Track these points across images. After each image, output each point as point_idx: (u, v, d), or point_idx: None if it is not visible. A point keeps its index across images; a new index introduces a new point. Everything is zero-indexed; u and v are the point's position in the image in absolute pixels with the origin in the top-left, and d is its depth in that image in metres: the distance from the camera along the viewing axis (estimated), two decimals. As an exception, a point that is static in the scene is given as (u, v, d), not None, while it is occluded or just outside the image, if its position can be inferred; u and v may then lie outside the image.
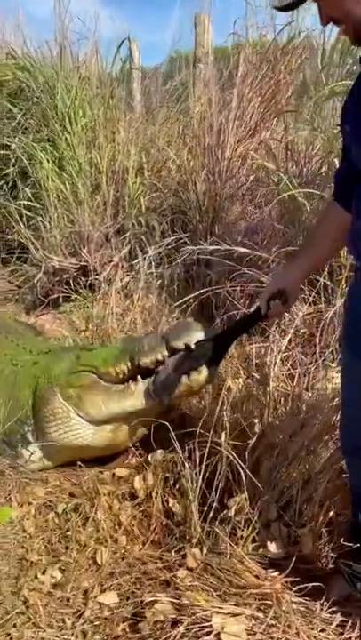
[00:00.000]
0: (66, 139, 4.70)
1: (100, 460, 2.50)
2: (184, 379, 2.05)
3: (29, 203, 4.61)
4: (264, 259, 2.68)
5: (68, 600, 1.73)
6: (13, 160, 5.02)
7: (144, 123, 4.99)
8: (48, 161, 4.53)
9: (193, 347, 2.03)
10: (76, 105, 4.86)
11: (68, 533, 2.01)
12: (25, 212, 4.58)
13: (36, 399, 2.37)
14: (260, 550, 1.78)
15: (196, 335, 2.04)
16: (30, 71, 5.32)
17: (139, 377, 2.16)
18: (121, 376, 2.19)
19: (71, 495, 2.28)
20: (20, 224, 4.48)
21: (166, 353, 2.08)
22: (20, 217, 4.55)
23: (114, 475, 2.42)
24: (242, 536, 1.81)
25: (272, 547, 1.75)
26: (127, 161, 4.50)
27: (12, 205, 4.57)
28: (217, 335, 2.09)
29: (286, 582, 1.66)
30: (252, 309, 2.01)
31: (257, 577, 1.69)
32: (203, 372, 2.04)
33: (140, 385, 2.15)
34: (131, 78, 6.29)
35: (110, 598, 1.71)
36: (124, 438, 2.34)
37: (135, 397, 2.15)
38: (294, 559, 1.66)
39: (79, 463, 2.50)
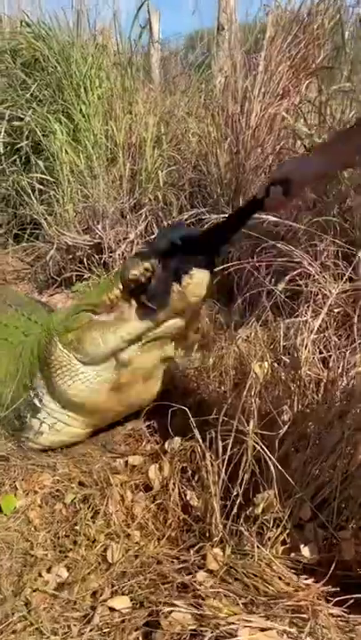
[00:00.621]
0: (81, 109, 4.47)
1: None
2: (175, 286, 1.84)
3: (42, 176, 4.40)
4: (294, 231, 2.44)
5: (75, 603, 1.55)
6: (27, 132, 4.81)
7: (163, 92, 4.73)
8: (62, 132, 4.30)
9: (179, 244, 1.82)
10: (92, 74, 4.62)
11: (77, 527, 1.83)
12: (38, 185, 4.38)
13: (40, 355, 2.22)
14: (292, 554, 1.57)
15: (181, 231, 1.84)
16: (45, 39, 5.09)
17: (132, 300, 1.97)
18: (115, 302, 2.01)
19: (80, 484, 2.09)
20: (32, 198, 4.27)
21: (154, 260, 1.88)
22: (33, 191, 4.34)
23: (127, 463, 2.23)
24: (270, 537, 1.61)
25: (306, 550, 1.54)
26: (145, 132, 4.26)
27: (25, 179, 4.35)
28: (206, 231, 1.90)
29: (323, 592, 1.46)
30: (248, 199, 1.78)
31: (288, 584, 1.49)
32: (195, 276, 1.82)
33: (133, 305, 1.96)
34: (150, 49, 6.03)
35: (122, 603, 1.52)
36: (132, 380, 2.15)
37: (131, 321, 1.96)
38: (333, 566, 1.45)
39: (89, 450, 2.35)
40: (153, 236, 1.98)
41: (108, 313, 2.04)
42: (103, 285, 2.11)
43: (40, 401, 2.24)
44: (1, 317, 2.74)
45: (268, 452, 1.65)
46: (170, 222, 2.02)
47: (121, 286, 1.97)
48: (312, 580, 1.50)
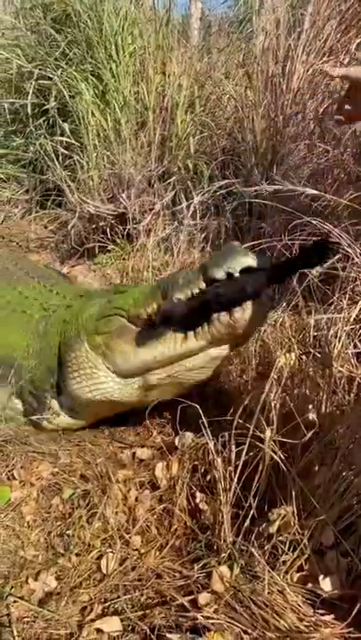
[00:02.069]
0: (111, 68, 4.18)
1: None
2: (224, 317, 1.62)
3: (67, 140, 4.16)
4: (333, 206, 2.15)
5: (59, 621, 1.38)
6: (55, 93, 4.57)
7: (200, 51, 4.39)
8: (89, 92, 4.03)
9: (237, 274, 1.58)
10: (125, 29, 4.31)
11: (72, 529, 1.66)
12: (62, 150, 4.15)
13: (64, 346, 2.05)
14: (309, 584, 1.36)
15: (242, 261, 1.58)
16: (77, -9, 4.79)
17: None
18: (153, 318, 1.79)
19: (82, 477, 1.92)
20: (56, 163, 4.05)
21: (203, 285, 1.65)
22: (57, 156, 4.11)
23: (134, 455, 2.05)
24: (285, 561, 1.40)
25: (326, 582, 1.33)
26: (177, 96, 3.96)
27: (49, 142, 4.12)
28: (272, 266, 1.63)
29: (343, 634, 1.25)
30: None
31: (302, 620, 1.29)
32: (248, 310, 1.60)
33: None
34: (190, 6, 5.65)
35: (112, 625, 1.35)
36: (157, 393, 1.97)
37: (169, 342, 1.74)
38: (358, 604, 1.24)
39: (95, 437, 2.18)
40: (209, 259, 1.68)
41: (143, 326, 1.83)
42: (142, 294, 1.88)
43: (64, 383, 2.07)
44: (21, 289, 2.59)
45: (288, 464, 1.43)
46: (228, 245, 1.70)
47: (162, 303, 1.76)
48: (331, 617, 1.29)
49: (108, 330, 1.90)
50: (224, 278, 1.59)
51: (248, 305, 1.60)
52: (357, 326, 1.99)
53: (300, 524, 1.41)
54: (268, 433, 1.42)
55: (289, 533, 1.41)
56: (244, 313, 1.60)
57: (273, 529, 1.43)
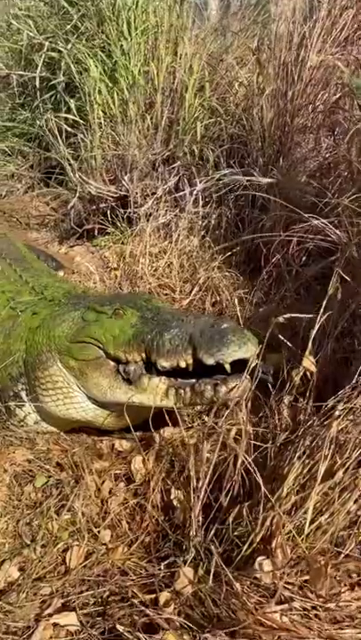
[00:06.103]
0: (121, 45, 4.07)
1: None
2: (208, 391, 1.63)
3: (73, 117, 4.07)
4: (333, 205, 2.09)
5: (20, 609, 1.36)
6: (64, 68, 4.47)
7: (214, 33, 4.26)
8: (97, 69, 3.93)
9: (227, 368, 1.57)
10: (139, 5, 4.18)
11: (40, 518, 1.64)
12: (66, 127, 4.06)
13: (32, 359, 2.00)
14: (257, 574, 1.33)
15: (234, 355, 1.55)
16: None
17: (157, 378, 1.74)
18: (132, 366, 1.78)
19: (58, 465, 1.91)
20: (59, 140, 3.96)
21: (191, 361, 1.64)
22: (61, 133, 4.03)
23: (113, 446, 2.03)
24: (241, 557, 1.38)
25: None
26: (188, 78, 3.85)
27: (53, 119, 4.04)
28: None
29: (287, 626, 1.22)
30: None
31: (251, 614, 1.26)
32: (232, 386, 1.60)
33: (155, 382, 1.74)
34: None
35: (70, 620, 1.33)
36: (128, 421, 1.91)
37: (147, 394, 1.76)
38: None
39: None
40: (200, 331, 1.62)
41: (121, 364, 1.81)
42: (123, 334, 1.81)
43: (26, 395, 2.05)
44: None
45: (255, 467, 1.40)
46: (224, 327, 1.60)
47: (144, 356, 1.75)
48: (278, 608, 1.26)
49: (83, 358, 1.87)
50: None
51: (232, 384, 1.60)
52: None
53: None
54: (232, 433, 1.39)
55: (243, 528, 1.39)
56: (228, 393, 1.60)
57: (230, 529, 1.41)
